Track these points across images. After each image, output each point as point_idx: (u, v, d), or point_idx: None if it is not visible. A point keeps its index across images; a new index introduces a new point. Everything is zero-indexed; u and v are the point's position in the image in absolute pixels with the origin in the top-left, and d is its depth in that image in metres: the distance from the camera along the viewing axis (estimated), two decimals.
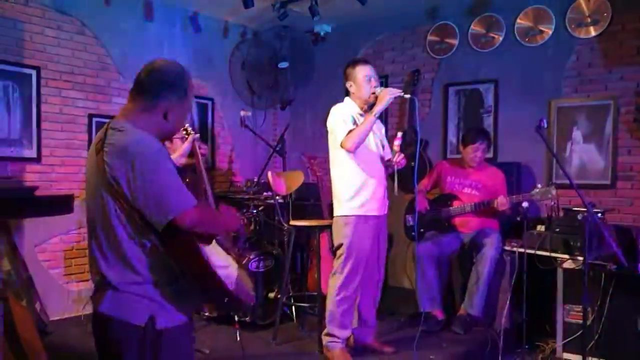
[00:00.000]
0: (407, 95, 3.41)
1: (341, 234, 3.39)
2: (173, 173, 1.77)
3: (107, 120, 1.96)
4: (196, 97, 5.63)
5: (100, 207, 1.78)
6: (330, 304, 3.44)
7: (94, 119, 4.70)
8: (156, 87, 1.83)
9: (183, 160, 2.53)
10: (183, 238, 1.75)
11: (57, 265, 4.55)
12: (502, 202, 4.01)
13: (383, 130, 3.73)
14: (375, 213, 3.42)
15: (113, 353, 1.81)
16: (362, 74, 3.42)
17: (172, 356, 1.82)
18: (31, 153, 4.38)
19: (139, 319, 1.76)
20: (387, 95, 3.29)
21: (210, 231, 1.84)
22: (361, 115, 3.43)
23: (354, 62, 3.51)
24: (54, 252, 4.52)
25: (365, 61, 3.55)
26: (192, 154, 2.37)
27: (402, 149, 3.45)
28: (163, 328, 1.78)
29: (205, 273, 1.78)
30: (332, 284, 3.43)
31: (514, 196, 4.10)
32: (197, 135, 2.43)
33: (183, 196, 1.75)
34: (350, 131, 3.29)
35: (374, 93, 3.38)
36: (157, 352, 1.78)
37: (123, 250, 1.75)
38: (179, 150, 2.64)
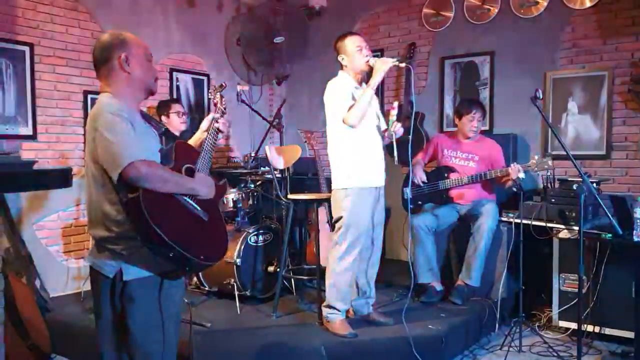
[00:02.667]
0: (403, 64, 3.39)
1: (340, 206, 3.40)
2: (126, 133, 1.97)
3: None
4: (192, 72, 5.61)
5: (88, 173, 2.07)
6: (330, 276, 3.47)
7: (89, 96, 4.67)
8: (103, 53, 2.12)
9: (199, 135, 2.61)
10: (131, 194, 1.94)
11: (56, 242, 4.56)
12: (514, 168, 3.96)
13: (377, 101, 3.72)
14: (373, 185, 3.44)
15: (95, 297, 2.14)
16: (353, 44, 3.41)
17: (138, 308, 2.05)
18: (27, 130, 4.35)
19: (109, 271, 2.04)
20: (383, 65, 3.28)
21: (160, 189, 1.99)
22: (357, 88, 3.43)
23: (343, 35, 3.50)
24: (52, 230, 4.52)
25: (354, 32, 3.55)
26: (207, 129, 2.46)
27: (399, 118, 3.46)
28: (129, 280, 2.02)
29: (147, 227, 1.92)
30: (332, 256, 3.45)
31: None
32: (217, 115, 2.52)
33: (129, 151, 1.94)
34: (350, 107, 3.29)
35: (367, 62, 3.38)
36: (124, 300, 2.04)
37: (101, 211, 2.03)
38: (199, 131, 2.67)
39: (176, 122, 4.51)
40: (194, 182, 2.15)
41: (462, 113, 4.34)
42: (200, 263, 2.06)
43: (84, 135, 4.18)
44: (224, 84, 2.64)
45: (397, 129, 3.43)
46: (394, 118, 3.41)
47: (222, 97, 2.51)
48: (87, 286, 4.32)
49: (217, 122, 2.45)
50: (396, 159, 3.39)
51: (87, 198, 2.10)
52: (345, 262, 3.40)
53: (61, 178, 3.31)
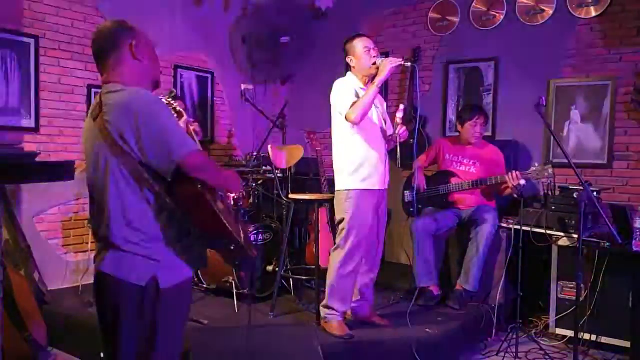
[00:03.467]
0: (408, 64, 3.38)
1: (343, 208, 3.40)
2: (173, 119, 1.86)
3: None
4: (196, 70, 5.61)
5: (102, 171, 1.82)
6: (331, 278, 3.46)
7: (93, 90, 4.68)
8: (109, 40, 1.92)
9: None
10: (190, 186, 1.79)
11: (56, 235, 4.56)
12: (514, 176, 3.96)
13: (385, 105, 3.73)
14: (376, 187, 3.44)
15: (112, 314, 1.83)
16: (361, 45, 3.42)
17: (171, 315, 1.87)
18: (30, 123, 4.35)
19: (139, 279, 1.79)
20: (389, 64, 3.28)
21: (213, 180, 1.87)
22: (363, 89, 3.43)
23: (353, 37, 3.51)
24: (52, 223, 4.52)
25: (363, 34, 3.56)
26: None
27: (404, 121, 3.46)
28: (166, 287, 1.82)
29: (213, 219, 1.82)
30: (334, 258, 3.45)
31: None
32: (191, 119, 2.53)
33: (186, 139, 1.81)
34: (353, 103, 3.30)
35: (374, 64, 3.38)
36: (156, 312, 1.81)
37: (127, 211, 1.80)
38: None
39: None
40: (234, 176, 2.05)
41: (465, 119, 4.35)
42: (251, 258, 2.01)
43: None
44: (174, 91, 2.57)
45: (402, 132, 3.43)
46: (399, 121, 3.42)
47: (170, 103, 2.46)
48: (86, 280, 4.33)
49: (191, 125, 2.49)
50: (398, 162, 3.39)
51: (99, 197, 1.86)
52: (346, 264, 3.40)
53: (65, 171, 3.30)
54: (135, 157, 1.77)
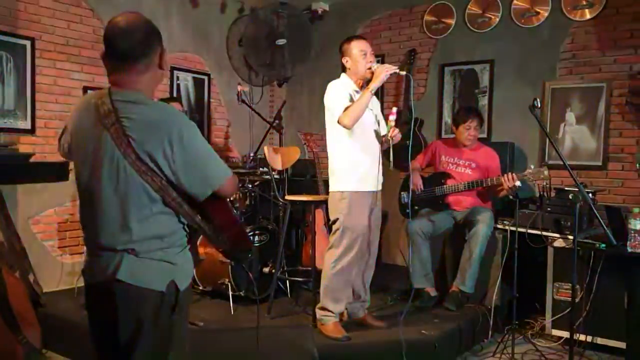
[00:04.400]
0: (403, 72, 3.41)
1: (337, 209, 3.41)
2: (206, 142, 1.80)
3: None
4: (193, 72, 5.62)
5: (116, 181, 1.71)
6: (325, 279, 3.46)
7: (89, 92, 4.67)
8: (143, 46, 1.76)
9: None
10: (220, 200, 1.85)
11: (51, 237, 4.55)
12: (510, 177, 3.95)
13: (379, 107, 3.74)
14: (371, 189, 3.44)
15: (127, 321, 1.74)
16: (358, 48, 3.43)
17: (183, 317, 1.87)
18: (25, 124, 4.34)
19: (159, 285, 1.75)
20: (384, 72, 3.29)
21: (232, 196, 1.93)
22: (357, 92, 3.43)
23: (350, 38, 3.52)
24: (48, 225, 4.51)
25: (361, 37, 3.57)
26: None
27: (397, 124, 3.47)
28: (182, 290, 1.80)
29: (236, 224, 1.93)
30: (328, 259, 3.45)
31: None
32: None
33: (221, 165, 1.82)
34: (347, 107, 3.30)
35: (369, 68, 3.39)
36: (172, 315, 1.78)
37: (148, 221, 1.72)
38: None
39: None
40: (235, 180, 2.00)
41: (459, 121, 4.36)
42: (250, 250, 2.11)
43: None
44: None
45: (395, 134, 3.43)
46: (392, 124, 3.42)
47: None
48: (82, 282, 4.33)
49: None
50: (391, 164, 3.40)
51: (102, 203, 1.74)
52: (340, 265, 3.40)
53: (58, 171, 3.30)
54: (162, 176, 1.71)
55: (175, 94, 5.38)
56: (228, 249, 1.96)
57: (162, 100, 4.64)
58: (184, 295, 1.83)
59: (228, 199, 1.89)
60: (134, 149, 1.68)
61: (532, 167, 4.01)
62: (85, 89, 4.68)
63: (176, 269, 1.79)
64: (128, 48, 1.74)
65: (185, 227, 1.84)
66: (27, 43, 4.31)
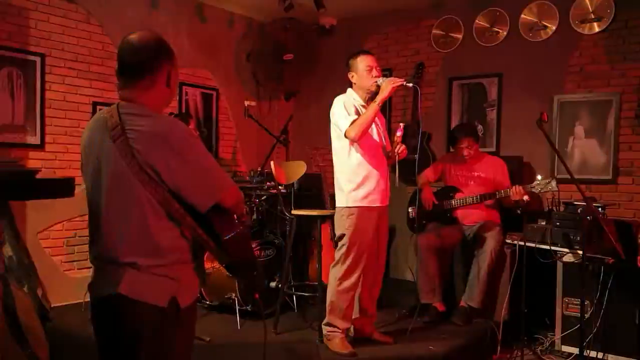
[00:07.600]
0: (410, 84, 3.40)
1: (343, 225, 3.39)
2: (209, 154, 1.81)
3: None
4: (201, 87, 5.65)
5: (119, 193, 1.73)
6: (331, 294, 3.45)
7: (98, 107, 4.71)
8: (150, 62, 1.80)
9: None
10: (225, 215, 1.82)
11: (60, 252, 4.57)
12: (517, 191, 3.95)
13: (384, 122, 3.73)
14: (377, 204, 3.43)
15: (129, 338, 1.73)
16: (364, 64, 3.43)
17: (186, 333, 1.86)
18: (35, 140, 4.39)
19: (160, 300, 1.73)
20: (390, 85, 3.29)
21: (239, 211, 1.88)
22: (364, 106, 3.43)
23: (357, 53, 3.52)
24: (56, 239, 4.54)
25: (367, 52, 3.57)
26: None
27: (404, 140, 3.46)
28: (184, 307, 1.79)
29: (242, 240, 1.85)
30: (334, 275, 3.43)
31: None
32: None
33: (224, 176, 1.83)
34: (353, 121, 3.30)
35: (375, 83, 3.39)
36: (174, 331, 1.78)
37: (150, 234, 1.72)
38: None
39: None
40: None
41: (453, 142, 4.38)
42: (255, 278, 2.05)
43: None
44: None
45: (401, 150, 3.42)
46: (398, 140, 3.41)
47: None
48: (89, 297, 4.32)
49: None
50: (396, 180, 3.38)
51: (107, 216, 1.76)
52: (346, 281, 3.38)
53: (64, 187, 3.30)
54: (164, 187, 1.72)
55: (183, 109, 5.41)
56: (232, 265, 1.93)
57: (179, 115, 4.71)
58: (187, 312, 1.82)
59: (234, 215, 1.84)
60: (137, 161, 1.70)
61: (540, 177, 3.98)
62: (95, 105, 4.72)
63: (178, 285, 1.77)
64: (134, 64, 1.80)
65: (190, 242, 1.82)
66: (37, 59, 4.37)
